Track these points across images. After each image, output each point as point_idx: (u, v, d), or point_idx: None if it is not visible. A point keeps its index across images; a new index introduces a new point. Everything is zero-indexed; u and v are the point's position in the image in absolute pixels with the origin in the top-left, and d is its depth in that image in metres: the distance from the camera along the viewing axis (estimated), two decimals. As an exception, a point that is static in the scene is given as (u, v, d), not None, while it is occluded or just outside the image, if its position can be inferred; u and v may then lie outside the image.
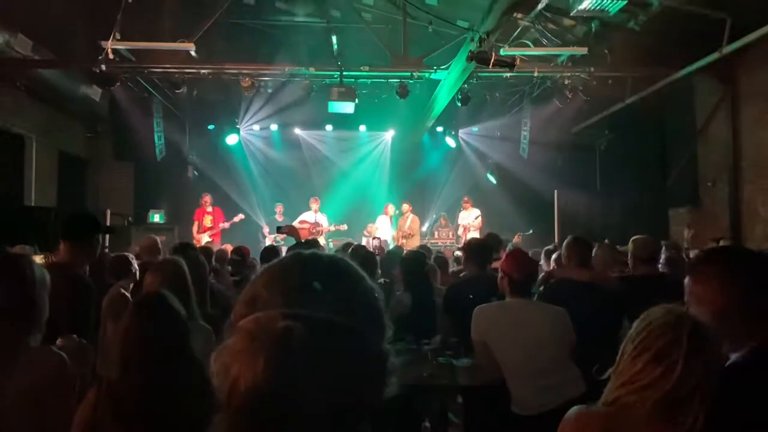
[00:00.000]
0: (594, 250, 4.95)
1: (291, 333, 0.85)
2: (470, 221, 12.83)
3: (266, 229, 12.87)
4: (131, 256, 4.95)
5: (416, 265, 5.33)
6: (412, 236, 12.67)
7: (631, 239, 4.65)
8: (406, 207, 13.07)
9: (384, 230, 12.96)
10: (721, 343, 1.88)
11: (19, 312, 2.25)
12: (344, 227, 12.80)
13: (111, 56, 9.36)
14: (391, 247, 10.92)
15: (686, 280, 2.10)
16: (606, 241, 7.24)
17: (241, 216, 12.51)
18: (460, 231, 12.92)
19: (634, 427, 1.76)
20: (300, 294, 0.91)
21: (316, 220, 12.64)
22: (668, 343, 1.76)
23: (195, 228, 12.39)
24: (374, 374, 0.92)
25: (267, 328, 0.87)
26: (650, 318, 1.85)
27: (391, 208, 13.27)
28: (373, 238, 11.82)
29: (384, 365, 0.93)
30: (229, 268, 6.71)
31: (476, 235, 11.62)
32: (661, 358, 1.75)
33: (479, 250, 5.21)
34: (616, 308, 4.00)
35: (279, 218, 12.76)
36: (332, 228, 12.72)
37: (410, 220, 12.98)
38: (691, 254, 8.01)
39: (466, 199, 13.27)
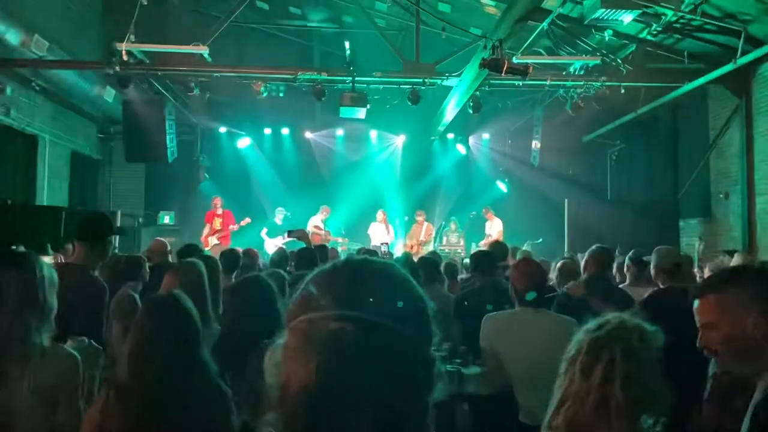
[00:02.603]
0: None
1: (343, 334, 0.87)
2: (493, 233, 12.87)
3: (264, 232, 12.86)
4: (144, 258, 4.97)
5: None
6: (428, 243, 12.74)
7: (655, 249, 4.63)
8: (420, 216, 13.12)
9: (378, 237, 12.97)
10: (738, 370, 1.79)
11: (29, 309, 2.26)
12: (346, 241, 12.88)
13: (125, 58, 9.41)
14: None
15: (696, 303, 1.89)
16: (616, 252, 7.21)
17: (247, 220, 12.54)
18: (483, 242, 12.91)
19: None
20: (351, 297, 0.92)
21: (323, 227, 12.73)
22: (575, 353, 1.78)
23: (206, 231, 12.44)
24: (421, 379, 0.93)
25: (319, 329, 0.88)
26: (584, 329, 1.85)
27: (381, 215, 13.27)
28: (382, 244, 11.84)
29: (431, 370, 0.95)
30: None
31: None
32: (567, 370, 1.78)
33: (484, 260, 5.24)
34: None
35: (278, 222, 12.77)
36: (340, 239, 12.77)
37: (425, 227, 13.04)
38: (702, 266, 7.97)
39: (486, 209, 13.32)
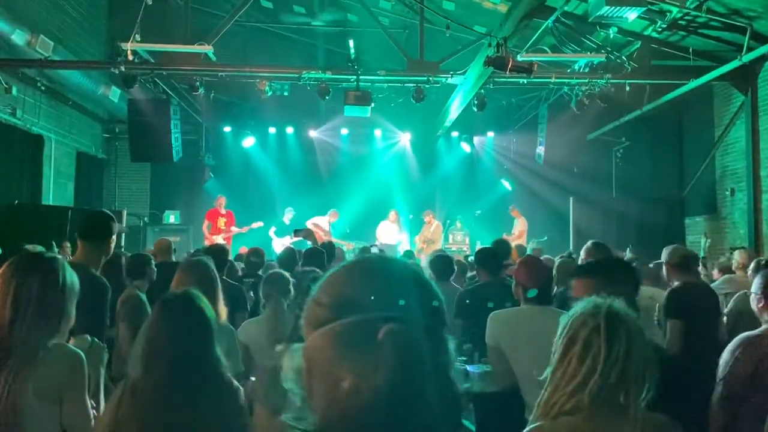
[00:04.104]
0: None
1: (404, 335, 0.88)
2: (516, 231, 12.89)
3: (273, 231, 12.88)
4: (150, 256, 4.98)
5: None
6: (434, 242, 12.72)
7: (664, 248, 4.64)
8: (428, 216, 13.13)
9: (389, 237, 12.94)
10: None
11: (47, 316, 2.27)
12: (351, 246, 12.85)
13: (130, 58, 9.42)
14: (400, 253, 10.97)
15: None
16: (627, 252, 7.22)
17: (260, 223, 12.58)
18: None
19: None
20: (391, 296, 0.93)
21: (329, 229, 12.68)
22: (590, 331, 1.78)
23: (206, 227, 12.45)
24: (450, 367, 0.97)
25: (368, 332, 0.88)
26: (572, 312, 1.87)
27: (393, 215, 13.26)
28: (372, 246, 11.80)
29: (451, 358, 0.98)
30: (242, 265, 6.77)
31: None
32: (588, 349, 1.76)
33: (489, 258, 5.22)
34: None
35: (286, 222, 12.79)
36: (342, 241, 12.73)
37: (434, 227, 13.05)
38: (708, 264, 7.95)
39: (513, 207, 13.35)
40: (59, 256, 2.44)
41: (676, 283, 4.46)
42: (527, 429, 1.85)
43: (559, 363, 1.81)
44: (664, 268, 4.58)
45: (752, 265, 5.37)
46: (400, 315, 0.89)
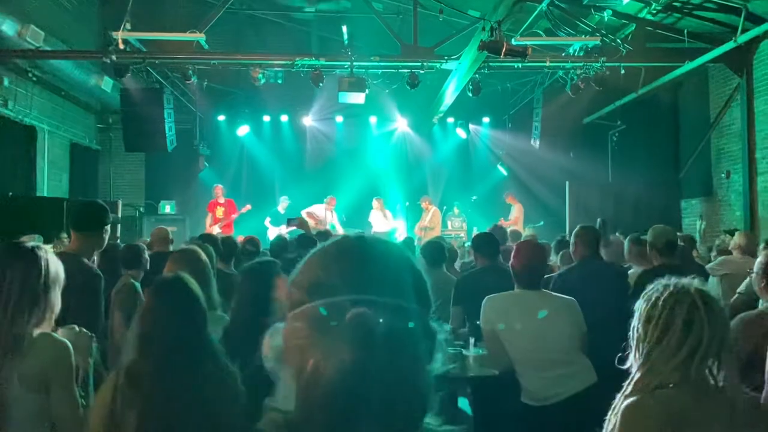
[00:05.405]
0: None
1: (368, 319, 0.87)
2: (512, 217, 12.88)
3: (268, 221, 12.84)
4: (143, 247, 4.97)
5: None
6: (432, 229, 12.69)
7: (651, 228, 4.63)
8: (425, 203, 13.08)
9: (378, 225, 12.92)
10: None
11: (30, 304, 2.26)
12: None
13: (121, 47, 9.35)
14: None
15: None
16: (618, 233, 7.24)
17: (248, 207, 12.50)
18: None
19: (691, 402, 1.83)
20: (362, 279, 0.92)
21: (326, 217, 12.58)
22: (689, 308, 1.85)
23: (209, 220, 12.40)
24: (428, 353, 0.95)
25: (339, 315, 0.88)
26: (655, 296, 1.93)
27: (376, 203, 13.20)
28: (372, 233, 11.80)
29: (434, 342, 0.96)
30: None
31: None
32: (690, 325, 1.84)
33: (486, 243, 5.22)
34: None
35: (281, 211, 12.75)
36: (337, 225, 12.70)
37: (432, 213, 13.01)
38: (700, 247, 7.97)
39: (507, 194, 13.30)
40: (42, 245, 2.43)
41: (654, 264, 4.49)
42: (627, 402, 1.89)
43: (657, 343, 1.87)
44: (648, 247, 4.59)
45: (763, 244, 5.41)
46: (371, 298, 0.88)
